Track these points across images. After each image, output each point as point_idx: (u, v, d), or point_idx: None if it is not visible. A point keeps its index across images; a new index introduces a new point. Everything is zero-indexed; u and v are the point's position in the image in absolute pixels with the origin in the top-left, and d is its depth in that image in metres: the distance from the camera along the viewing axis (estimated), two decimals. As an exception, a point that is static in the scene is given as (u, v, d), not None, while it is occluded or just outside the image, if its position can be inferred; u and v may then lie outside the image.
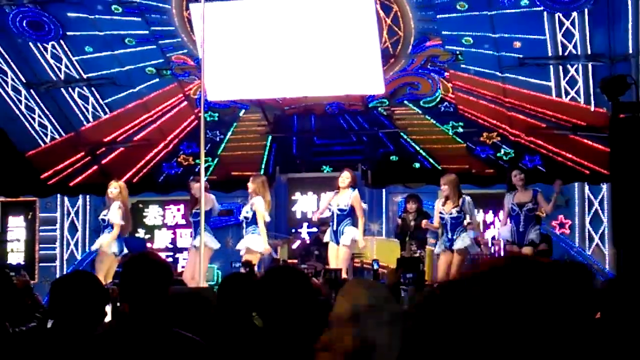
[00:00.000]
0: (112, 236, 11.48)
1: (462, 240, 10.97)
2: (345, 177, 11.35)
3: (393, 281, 6.60)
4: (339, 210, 11.31)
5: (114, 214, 11.54)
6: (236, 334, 3.65)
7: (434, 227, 11.56)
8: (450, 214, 11.07)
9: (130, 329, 3.23)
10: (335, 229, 11.26)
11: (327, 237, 11.48)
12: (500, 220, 12.57)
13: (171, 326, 3.27)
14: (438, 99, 13.61)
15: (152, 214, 15.45)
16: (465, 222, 11.11)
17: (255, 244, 11.35)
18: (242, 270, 10.11)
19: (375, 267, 10.91)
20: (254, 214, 11.39)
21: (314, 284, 7.23)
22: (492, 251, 12.64)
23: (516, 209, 11.21)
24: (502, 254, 11.59)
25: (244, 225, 11.60)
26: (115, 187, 11.71)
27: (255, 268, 10.77)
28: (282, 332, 3.38)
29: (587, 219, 13.47)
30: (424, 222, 11.65)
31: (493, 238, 13.33)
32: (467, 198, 11.19)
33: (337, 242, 11.22)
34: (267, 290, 3.48)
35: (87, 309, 3.35)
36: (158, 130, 14.70)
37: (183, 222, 14.84)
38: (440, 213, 11.22)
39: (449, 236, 11.04)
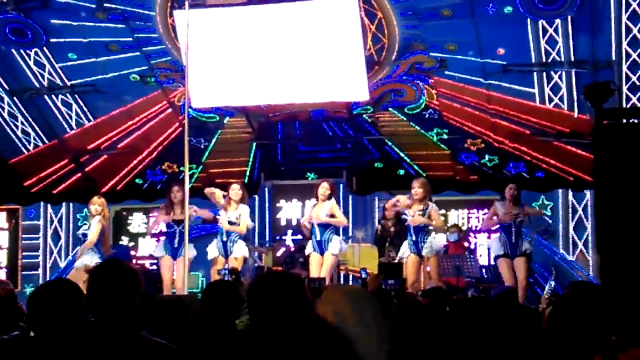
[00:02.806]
0: (82, 249, 11.39)
1: (432, 245, 10.86)
2: (325, 188, 11.12)
3: (374, 287, 6.57)
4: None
5: (92, 231, 11.42)
6: (219, 340, 3.62)
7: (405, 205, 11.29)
8: (414, 217, 10.94)
9: (97, 337, 3.18)
10: (319, 239, 11.11)
11: (309, 249, 11.27)
12: (481, 223, 12.54)
13: (140, 332, 3.21)
14: (422, 106, 13.62)
15: (136, 222, 15.35)
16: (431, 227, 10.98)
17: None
18: (228, 277, 10.07)
19: (364, 275, 10.84)
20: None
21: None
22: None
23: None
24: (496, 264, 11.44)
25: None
26: (99, 205, 11.50)
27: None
28: (272, 336, 3.34)
29: (571, 226, 13.50)
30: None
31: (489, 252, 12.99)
32: (432, 205, 10.94)
33: (322, 252, 11.10)
34: (259, 294, 3.44)
35: (67, 318, 3.28)
36: (142, 138, 14.64)
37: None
38: (404, 215, 11.14)
39: (413, 239, 10.89)
